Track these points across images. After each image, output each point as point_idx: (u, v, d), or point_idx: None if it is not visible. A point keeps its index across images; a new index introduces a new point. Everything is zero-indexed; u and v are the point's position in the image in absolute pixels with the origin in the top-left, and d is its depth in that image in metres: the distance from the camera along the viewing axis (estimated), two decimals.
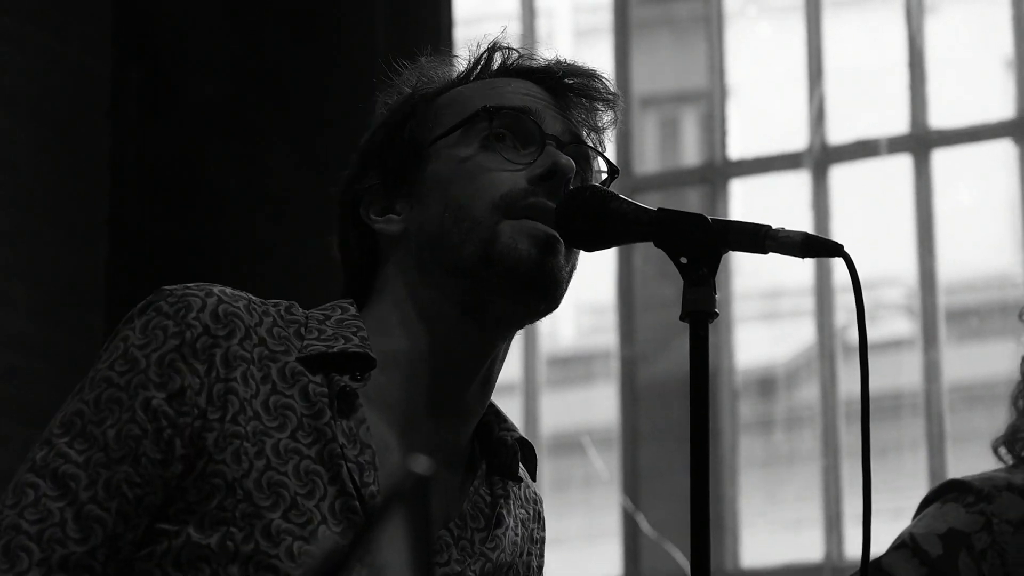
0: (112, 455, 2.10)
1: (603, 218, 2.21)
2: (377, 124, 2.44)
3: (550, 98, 2.37)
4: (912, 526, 3.20)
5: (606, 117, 2.40)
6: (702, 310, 2.08)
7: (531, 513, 2.54)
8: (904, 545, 3.14)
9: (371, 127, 2.46)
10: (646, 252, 6.10)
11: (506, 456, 2.37)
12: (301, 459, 2.16)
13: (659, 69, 7.34)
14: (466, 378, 2.30)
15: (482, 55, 2.41)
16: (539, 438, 6.39)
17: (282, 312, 2.27)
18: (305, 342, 2.24)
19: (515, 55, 2.43)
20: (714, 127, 6.52)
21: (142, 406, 2.10)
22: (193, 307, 2.14)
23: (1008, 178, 6.17)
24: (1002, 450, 3.29)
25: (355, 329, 2.28)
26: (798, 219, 6.19)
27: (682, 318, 2.11)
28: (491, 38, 2.43)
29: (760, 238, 2.09)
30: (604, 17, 6.84)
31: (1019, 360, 3.27)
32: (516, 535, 2.45)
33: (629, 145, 6.62)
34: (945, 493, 3.21)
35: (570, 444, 7.07)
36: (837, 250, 2.04)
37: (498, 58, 2.42)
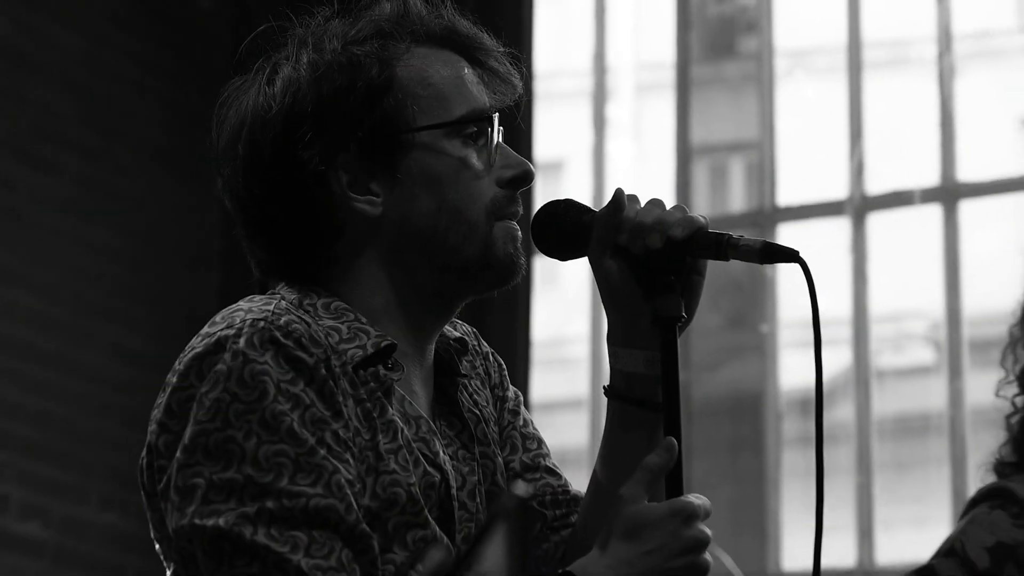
0: (344, 477, 2.12)
1: (578, 229, 2.26)
2: (328, 69, 2.32)
3: (479, 75, 2.37)
4: (960, 532, 3.26)
5: (517, 92, 2.40)
6: (670, 315, 2.15)
7: (479, 363, 2.56)
8: (954, 553, 3.21)
9: (305, 66, 2.34)
10: None
11: (448, 355, 2.39)
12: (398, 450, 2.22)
13: (714, 122, 7.45)
14: (434, 333, 2.34)
15: (416, 17, 2.36)
16: None
17: (308, 320, 2.25)
18: (340, 345, 2.23)
19: (444, 21, 2.38)
20: (764, 176, 6.67)
21: (332, 438, 2.11)
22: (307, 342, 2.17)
23: None
24: (1008, 453, 3.38)
25: (363, 323, 2.30)
26: (839, 260, 6.37)
27: (652, 323, 2.19)
28: None
29: (723, 246, 2.15)
30: (666, 75, 7.01)
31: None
32: (482, 402, 2.49)
33: (687, 191, 6.73)
34: (993, 498, 3.26)
35: None
36: (794, 256, 2.12)
37: (421, 15, 2.37)
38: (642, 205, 2.23)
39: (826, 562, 5.75)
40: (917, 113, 6.51)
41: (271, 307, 2.19)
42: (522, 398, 2.58)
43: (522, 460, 2.48)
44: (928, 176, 6.29)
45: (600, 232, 2.23)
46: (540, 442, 2.53)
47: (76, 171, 6.44)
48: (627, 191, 2.26)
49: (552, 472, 2.51)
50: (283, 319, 2.15)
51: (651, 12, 7.36)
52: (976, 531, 3.19)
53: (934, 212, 6.23)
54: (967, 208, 6.26)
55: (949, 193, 6.23)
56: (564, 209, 2.29)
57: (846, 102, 6.44)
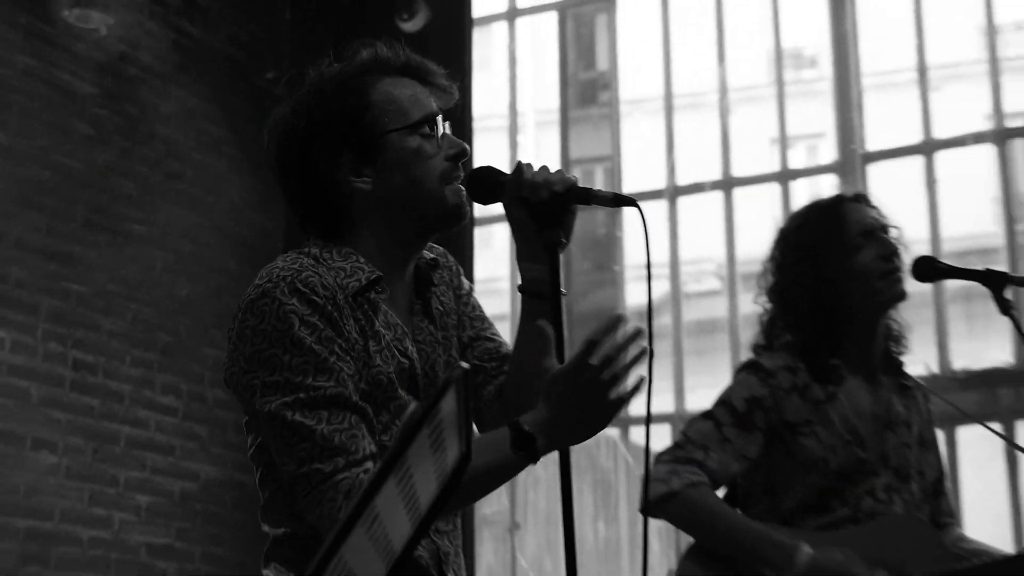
0: (346, 374, 2.45)
1: (495, 186, 2.57)
2: (329, 98, 2.60)
3: (428, 90, 2.65)
4: (729, 388, 3.70)
5: (455, 98, 2.70)
6: (554, 241, 2.50)
7: (444, 272, 2.83)
8: (724, 402, 3.65)
9: (315, 97, 2.62)
10: None
11: (425, 271, 2.71)
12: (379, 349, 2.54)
13: (584, 144, 8.17)
14: (411, 260, 2.67)
15: (383, 59, 2.65)
16: None
17: (321, 271, 2.52)
18: (342, 281, 2.53)
19: (402, 58, 2.66)
20: (614, 178, 7.45)
21: (339, 349, 2.46)
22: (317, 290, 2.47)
23: None
24: (760, 339, 3.82)
25: (361, 262, 2.58)
26: (661, 228, 7.06)
27: (543, 247, 2.52)
28: (375, 45, 2.68)
29: (587, 195, 2.50)
30: (554, 115, 7.81)
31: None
32: (447, 302, 2.79)
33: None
34: (748, 368, 3.71)
35: None
36: (634, 202, 2.48)
37: (387, 57, 2.65)
38: (536, 170, 2.53)
39: (655, 410, 7.11)
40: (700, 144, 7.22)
41: (296, 265, 2.51)
42: (472, 288, 2.88)
43: (470, 333, 2.83)
44: (712, 172, 7.24)
45: (510, 188, 2.54)
46: (483, 319, 2.87)
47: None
48: (530, 162, 2.56)
49: (491, 339, 2.86)
50: (303, 274, 2.48)
51: (544, 75, 7.86)
52: (738, 388, 3.65)
53: (717, 197, 7.19)
54: (740, 194, 7.16)
55: (727, 184, 7.19)
56: (487, 172, 2.62)
57: (663, 130, 7.24)
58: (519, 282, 2.66)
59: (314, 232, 2.62)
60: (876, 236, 3.63)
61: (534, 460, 2.34)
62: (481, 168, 2.60)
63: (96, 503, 6.13)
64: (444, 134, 2.60)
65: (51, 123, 6.27)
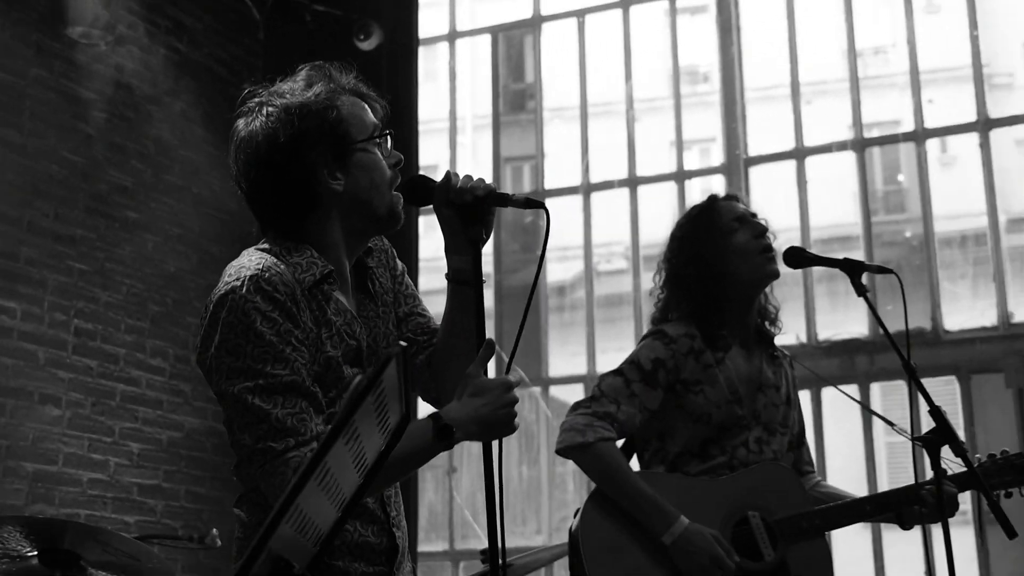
0: (301, 363, 2.48)
1: (427, 192, 2.63)
2: (306, 113, 2.57)
3: (373, 109, 2.69)
4: (637, 350, 3.75)
5: (386, 115, 2.69)
6: (476, 237, 2.56)
7: (380, 256, 2.82)
8: (633, 362, 3.71)
9: (299, 111, 2.57)
10: None
11: (360, 259, 2.72)
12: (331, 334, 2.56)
13: (512, 146, 8.04)
14: (358, 253, 2.70)
15: (338, 81, 2.66)
16: None
17: (279, 265, 2.52)
18: (299, 276, 2.53)
19: (351, 81, 2.68)
20: (538, 173, 7.44)
21: (295, 340, 2.48)
22: (279, 288, 2.48)
23: None
24: (657, 314, 3.88)
25: (315, 257, 2.58)
26: (575, 219, 7.06)
27: (467, 241, 2.58)
28: (333, 67, 2.69)
29: (503, 199, 2.57)
30: (488, 120, 7.86)
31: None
32: (384, 282, 2.80)
33: (500, 181, 7.39)
34: (653, 334, 3.77)
35: None
36: (542, 205, 2.57)
37: (344, 79, 2.67)
38: (461, 178, 2.59)
39: (571, 371, 7.20)
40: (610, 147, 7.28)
41: (260, 265, 2.48)
42: (406, 269, 2.89)
43: (405, 310, 2.84)
44: (620, 172, 7.28)
45: (439, 193, 2.59)
46: (415, 296, 2.89)
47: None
48: (457, 172, 2.65)
49: (422, 315, 2.87)
50: (266, 274, 2.45)
51: (479, 86, 7.87)
52: (645, 351, 3.74)
53: (624, 193, 7.32)
54: (643, 190, 7.23)
55: (632, 182, 7.26)
56: (420, 180, 2.66)
57: (579, 135, 7.37)
58: (446, 272, 2.70)
59: (276, 229, 2.61)
60: (747, 220, 3.80)
61: (449, 447, 2.45)
62: (415, 176, 2.66)
63: (94, 450, 6.17)
64: (391, 147, 2.67)
65: (58, 124, 6.30)
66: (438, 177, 2.66)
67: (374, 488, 2.45)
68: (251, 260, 2.49)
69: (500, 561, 2.46)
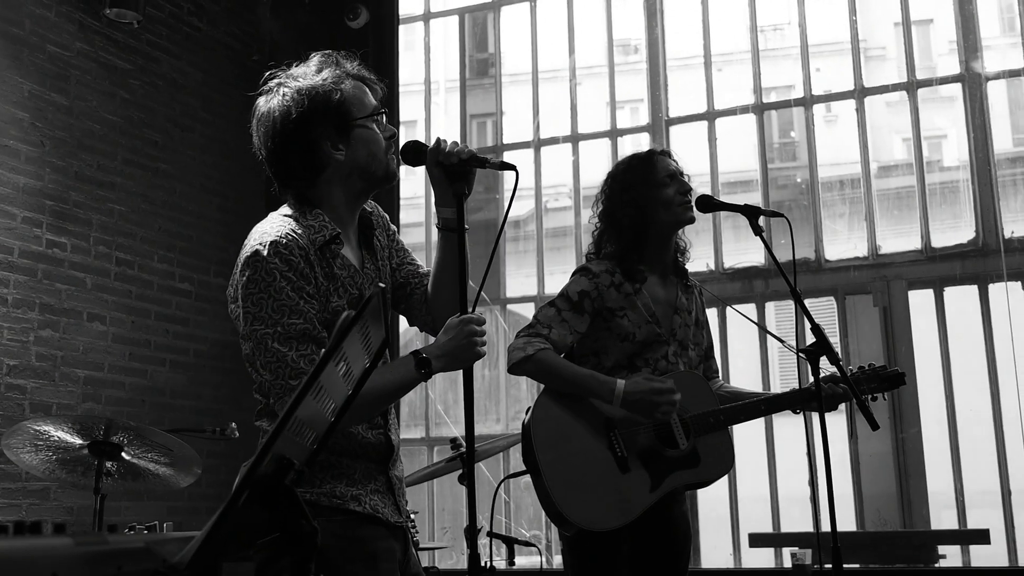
0: (313, 313, 2.44)
1: (419, 153, 2.61)
2: (315, 95, 2.52)
3: (371, 91, 2.62)
4: (567, 285, 3.67)
5: (384, 95, 2.62)
6: (460, 192, 2.55)
7: (378, 220, 2.76)
8: (563, 295, 3.65)
9: (309, 93, 2.54)
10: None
11: (364, 222, 2.66)
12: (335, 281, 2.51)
13: (478, 105, 7.90)
14: (358, 211, 2.65)
15: (344, 68, 2.60)
16: None
17: (297, 229, 2.48)
18: (312, 237, 2.49)
19: (355, 68, 2.62)
20: (498, 130, 7.26)
21: (307, 295, 2.45)
22: (294, 251, 2.43)
23: None
24: (592, 248, 3.77)
25: (326, 220, 2.53)
26: (529, 170, 6.94)
27: (452, 195, 2.56)
28: (338, 55, 2.62)
29: (482, 161, 2.56)
30: (456, 83, 7.72)
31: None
32: (382, 241, 2.75)
33: (467, 138, 7.15)
34: (581, 270, 3.69)
35: None
36: (514, 167, 2.53)
37: (349, 66, 2.61)
38: (449, 143, 2.57)
39: (524, 292, 6.84)
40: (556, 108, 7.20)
41: (278, 230, 2.45)
42: (396, 231, 2.85)
43: (397, 260, 2.80)
44: (564, 130, 7.22)
45: (430, 156, 2.57)
46: (406, 250, 2.85)
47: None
48: (445, 138, 2.61)
49: (412, 263, 2.83)
50: (284, 239, 2.42)
51: (449, 56, 7.80)
52: (572, 285, 3.66)
53: (567, 148, 7.25)
54: (584, 145, 7.17)
55: (575, 139, 7.20)
56: (415, 145, 2.62)
57: (531, 98, 7.31)
58: (436, 222, 2.69)
59: (291, 190, 2.57)
60: (677, 178, 3.75)
61: (428, 378, 2.43)
62: (411, 142, 2.63)
63: (134, 359, 6.19)
64: (386, 122, 2.63)
65: (99, 90, 6.26)
66: (415, 136, 2.58)
67: (371, 409, 2.46)
68: (272, 226, 2.48)
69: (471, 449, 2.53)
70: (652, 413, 3.45)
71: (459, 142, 2.58)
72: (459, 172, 2.53)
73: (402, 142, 2.64)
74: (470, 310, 2.48)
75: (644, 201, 3.64)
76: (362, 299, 2.50)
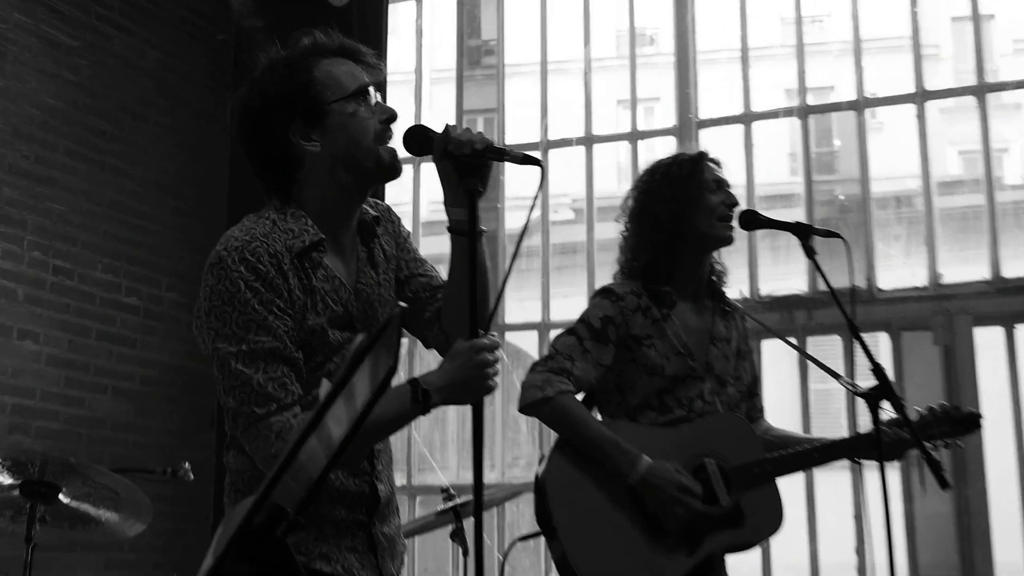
0: (283, 330, 2.37)
1: (427, 142, 2.46)
2: (279, 78, 2.48)
3: (360, 67, 2.55)
4: (587, 309, 3.63)
5: (383, 73, 2.58)
6: (472, 188, 2.40)
7: (388, 225, 2.73)
8: (584, 320, 3.59)
9: (267, 77, 2.50)
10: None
11: (365, 227, 2.61)
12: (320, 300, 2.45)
13: (473, 97, 7.47)
14: (354, 213, 2.56)
15: (321, 44, 2.55)
16: None
17: (271, 232, 2.42)
18: (289, 243, 2.42)
19: (336, 42, 2.56)
20: (495, 126, 6.95)
21: (277, 309, 2.37)
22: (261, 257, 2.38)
23: None
24: (623, 259, 3.73)
25: (308, 224, 2.46)
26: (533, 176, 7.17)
27: (464, 193, 2.40)
28: (315, 33, 2.57)
29: (501, 153, 2.42)
30: (452, 73, 7.32)
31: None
32: (388, 249, 2.69)
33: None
34: (602, 293, 3.64)
35: None
36: (538, 162, 2.41)
37: (324, 42, 2.56)
38: (460, 131, 2.45)
39: (526, 319, 6.49)
40: (561, 109, 6.96)
41: (248, 236, 2.41)
42: (410, 234, 2.79)
43: (407, 272, 2.74)
44: (577, 131, 6.77)
45: (438, 145, 2.45)
46: (420, 260, 2.79)
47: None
48: (455, 125, 2.50)
49: (424, 275, 2.76)
50: (251, 245, 2.38)
51: (443, 44, 7.42)
52: (594, 309, 3.61)
53: (579, 150, 6.80)
54: (599, 148, 6.78)
55: (589, 141, 6.80)
56: (420, 129, 2.52)
57: (539, 93, 6.79)
58: (447, 224, 2.55)
59: (273, 191, 2.53)
60: (724, 189, 3.67)
61: (426, 412, 2.33)
62: (415, 126, 2.52)
63: (70, 385, 6.02)
64: (376, 102, 2.52)
65: (40, 69, 6.07)
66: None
67: (356, 446, 2.37)
68: (242, 231, 2.41)
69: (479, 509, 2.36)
70: (667, 509, 3.41)
71: (471, 129, 2.46)
72: (472, 165, 2.38)
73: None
74: (487, 331, 2.39)
75: (686, 199, 3.59)
76: (348, 317, 2.47)
